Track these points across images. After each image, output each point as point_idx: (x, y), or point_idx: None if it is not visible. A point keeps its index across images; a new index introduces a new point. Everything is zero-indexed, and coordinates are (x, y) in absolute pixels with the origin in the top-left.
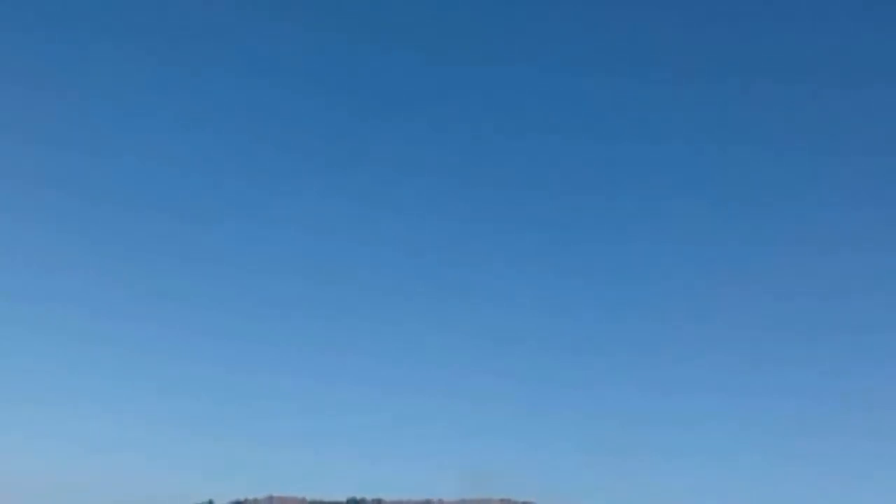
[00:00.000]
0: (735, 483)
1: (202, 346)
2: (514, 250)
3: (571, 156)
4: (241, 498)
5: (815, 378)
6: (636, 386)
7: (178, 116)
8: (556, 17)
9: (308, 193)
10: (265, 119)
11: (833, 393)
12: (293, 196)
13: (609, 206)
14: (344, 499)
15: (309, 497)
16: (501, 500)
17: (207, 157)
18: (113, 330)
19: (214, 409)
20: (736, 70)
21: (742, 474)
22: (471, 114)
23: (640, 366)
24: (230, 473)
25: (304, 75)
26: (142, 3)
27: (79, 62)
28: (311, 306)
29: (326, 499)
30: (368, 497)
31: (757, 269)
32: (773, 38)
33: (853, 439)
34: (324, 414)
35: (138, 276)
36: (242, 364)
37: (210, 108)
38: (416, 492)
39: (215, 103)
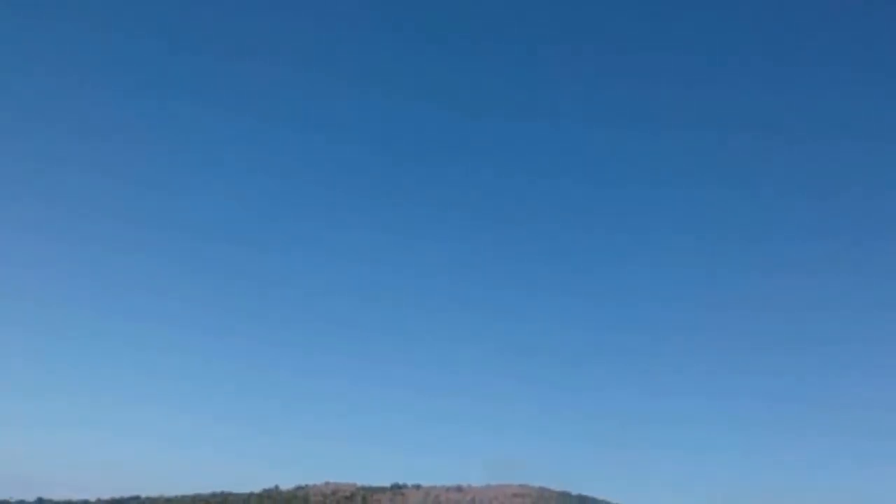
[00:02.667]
0: (719, 472)
1: (267, 356)
2: (531, 275)
3: (579, 196)
4: (302, 484)
5: (786, 383)
6: (634, 389)
7: (247, 162)
8: (567, 79)
9: (357, 227)
10: (320, 164)
11: (802, 395)
12: (344, 229)
13: (612, 239)
14: (388, 484)
15: (359, 483)
16: (520, 486)
17: (271, 196)
18: (188, 342)
19: (279, 408)
20: (718, 124)
21: (725, 465)
22: (494, 160)
23: (638, 372)
24: (292, 463)
25: (353, 127)
26: (220, 67)
27: (170, 119)
28: (360, 323)
29: (374, 484)
30: (409, 483)
31: (736, 291)
32: (749, 98)
33: (822, 436)
34: (371, 413)
35: (212, 297)
36: (303, 370)
37: (273, 155)
38: (448, 478)
39: (277, 151)
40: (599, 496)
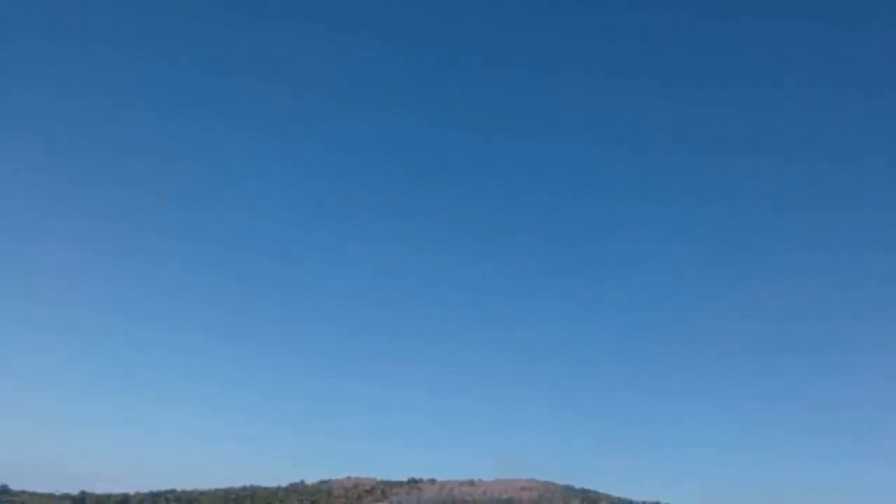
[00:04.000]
0: (717, 470)
1: (294, 360)
2: (539, 283)
3: (581, 212)
4: (326, 478)
5: (777, 384)
6: (636, 390)
7: (278, 179)
8: (574, 102)
9: (374, 239)
10: (342, 181)
11: (795, 396)
12: (361, 241)
13: (612, 251)
14: (406, 479)
15: (379, 477)
16: (527, 480)
17: (296, 211)
18: (221, 348)
19: (304, 408)
20: (710, 143)
21: (722, 463)
22: (500, 177)
23: (639, 374)
24: (317, 459)
25: (370, 148)
26: (249, 90)
27: (203, 138)
28: (379, 329)
29: (392, 479)
30: (424, 477)
31: (731, 298)
32: (741, 118)
33: (807, 434)
34: (390, 413)
35: (243, 305)
36: (326, 373)
37: (300, 174)
38: (461, 473)
39: (304, 170)
40: (601, 490)
